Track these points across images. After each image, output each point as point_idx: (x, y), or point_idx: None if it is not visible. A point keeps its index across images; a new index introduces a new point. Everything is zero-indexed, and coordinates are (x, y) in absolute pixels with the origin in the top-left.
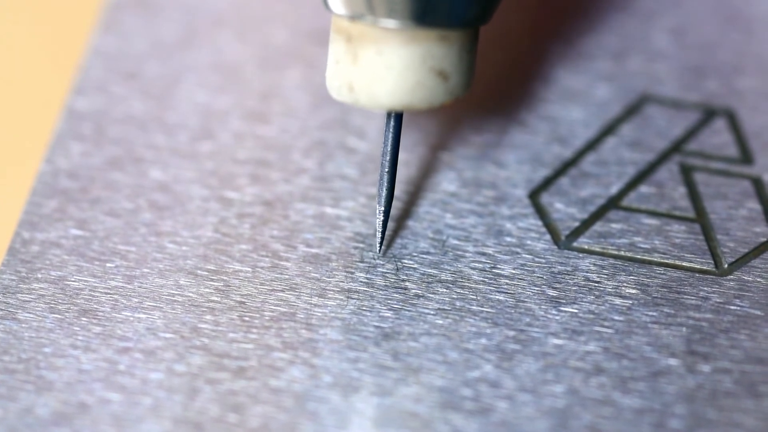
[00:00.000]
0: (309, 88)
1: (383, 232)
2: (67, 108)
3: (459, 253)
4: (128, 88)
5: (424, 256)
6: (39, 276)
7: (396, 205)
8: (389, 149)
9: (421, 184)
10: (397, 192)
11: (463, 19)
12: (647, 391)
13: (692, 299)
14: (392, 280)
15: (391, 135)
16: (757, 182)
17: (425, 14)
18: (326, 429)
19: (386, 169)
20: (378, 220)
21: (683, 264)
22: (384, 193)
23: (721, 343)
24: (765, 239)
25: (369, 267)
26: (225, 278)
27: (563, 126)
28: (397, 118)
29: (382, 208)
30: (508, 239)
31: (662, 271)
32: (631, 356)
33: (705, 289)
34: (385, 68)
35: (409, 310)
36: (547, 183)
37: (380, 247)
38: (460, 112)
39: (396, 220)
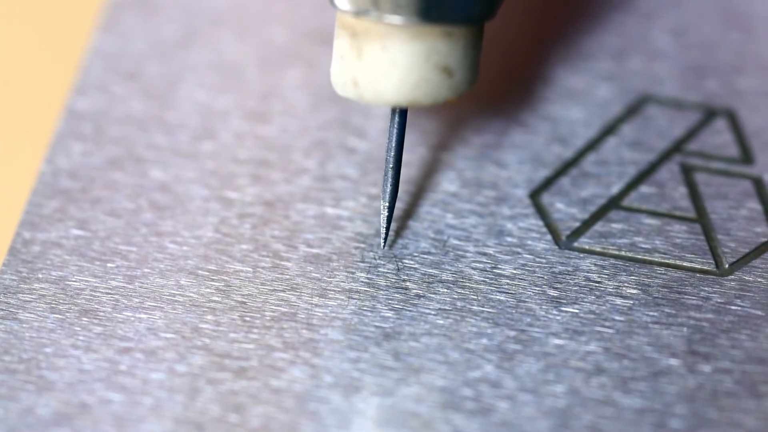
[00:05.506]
0: (309, 88)
1: (387, 228)
2: (68, 108)
3: (460, 253)
4: (128, 88)
5: (425, 256)
6: (40, 276)
7: (397, 205)
8: (394, 145)
9: (421, 184)
10: (398, 192)
11: (468, 15)
12: (648, 391)
13: (693, 299)
14: (393, 280)
15: (395, 131)
16: (757, 182)
17: (430, 10)
18: (327, 429)
19: (391, 165)
20: (382, 215)
21: (684, 264)
22: (388, 188)
23: (722, 343)
24: (766, 239)
25: (370, 267)
26: (226, 278)
27: (564, 126)
28: (401, 114)
29: (387, 204)
30: (509, 239)
31: (663, 271)
32: (632, 356)
33: (706, 289)
34: (390, 64)
35: (410, 310)
36: (547, 183)
37: (384, 242)
38: (461, 112)
39: (397, 220)
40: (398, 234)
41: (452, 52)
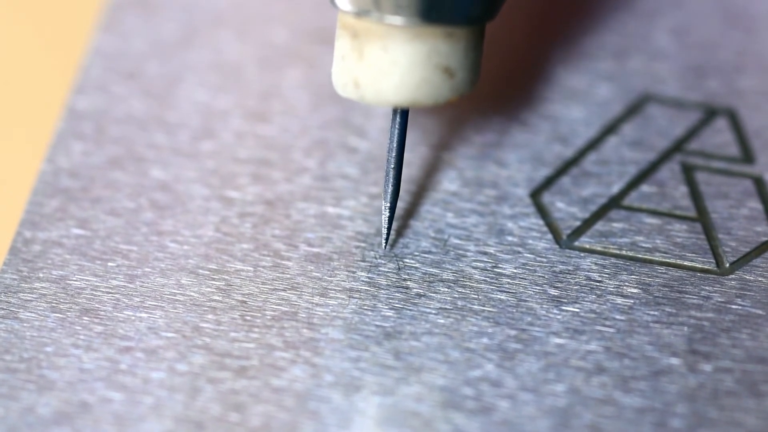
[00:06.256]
0: (309, 88)
1: (389, 228)
2: (68, 107)
3: (460, 252)
4: (129, 88)
5: (426, 255)
6: (40, 275)
7: (398, 204)
8: (395, 146)
9: (422, 183)
10: (399, 192)
11: (469, 15)
12: (648, 391)
13: (694, 298)
14: (394, 280)
15: (396, 131)
16: (758, 181)
17: (431, 11)
18: (328, 428)
19: (392, 166)
20: (384, 216)
21: (685, 263)
22: (390, 189)
23: (723, 342)
24: (766, 238)
25: (370, 266)
26: (226, 277)
27: (564, 125)
28: (403, 115)
29: (388, 204)
30: (510, 238)
31: (664, 271)
32: (633, 355)
33: (706, 288)
34: (391, 64)
35: (410, 310)
36: (548, 182)
37: (386, 243)
38: (462, 111)
39: (397, 220)
40: (399, 233)
41: (453, 52)
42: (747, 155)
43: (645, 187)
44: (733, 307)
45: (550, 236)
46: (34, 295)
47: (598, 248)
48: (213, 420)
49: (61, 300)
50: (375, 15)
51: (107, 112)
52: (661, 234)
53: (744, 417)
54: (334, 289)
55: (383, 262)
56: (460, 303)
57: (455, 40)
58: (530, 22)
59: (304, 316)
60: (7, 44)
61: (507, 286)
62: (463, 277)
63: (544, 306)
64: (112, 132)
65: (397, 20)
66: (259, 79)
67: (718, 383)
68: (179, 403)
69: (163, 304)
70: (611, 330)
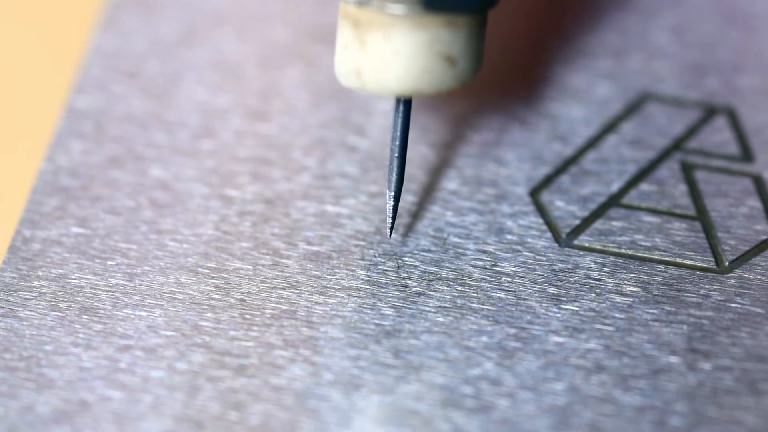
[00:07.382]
0: (309, 87)
1: (393, 218)
2: (68, 106)
3: (460, 250)
4: (129, 87)
5: (425, 253)
6: (40, 274)
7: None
8: (398, 134)
9: (421, 181)
10: (404, 181)
11: (470, 3)
12: (648, 389)
13: (693, 297)
14: (393, 278)
15: (400, 120)
16: (757, 180)
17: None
18: (327, 427)
19: (396, 155)
20: (388, 205)
21: (684, 262)
22: (394, 178)
23: (722, 340)
24: (766, 237)
25: (370, 265)
26: (226, 276)
27: (564, 124)
28: (405, 104)
29: (392, 194)
30: (509, 237)
31: (663, 269)
32: (632, 354)
33: (706, 286)
34: (393, 54)
35: (409, 308)
36: (547, 181)
37: (390, 232)
38: (461, 109)
39: (397, 218)
40: (398, 231)
41: (455, 41)
42: (746, 154)
43: (644, 186)
44: (733, 305)
45: (549, 235)
46: (33, 294)
47: (598, 247)
48: (212, 419)
49: (61, 298)
50: (376, 4)
51: (107, 111)
52: (660, 232)
53: (743, 415)
54: (334, 288)
55: (382, 260)
56: (459, 301)
57: (457, 29)
58: (530, 21)
59: (303, 314)
60: (7, 44)
61: (506, 284)
62: (462, 276)
63: (544, 304)
64: (112, 131)
65: (399, 9)
66: (258, 78)
67: (718, 381)
68: (178, 401)
69: (162, 303)
70: (611, 328)
